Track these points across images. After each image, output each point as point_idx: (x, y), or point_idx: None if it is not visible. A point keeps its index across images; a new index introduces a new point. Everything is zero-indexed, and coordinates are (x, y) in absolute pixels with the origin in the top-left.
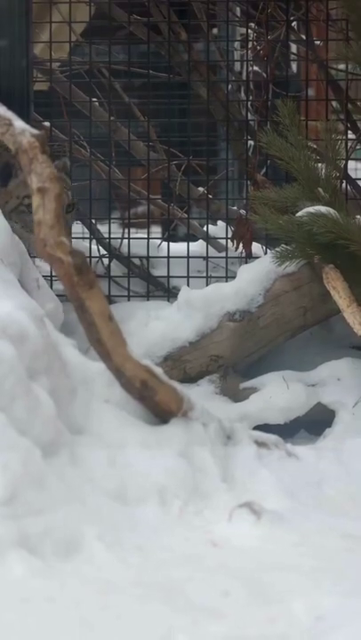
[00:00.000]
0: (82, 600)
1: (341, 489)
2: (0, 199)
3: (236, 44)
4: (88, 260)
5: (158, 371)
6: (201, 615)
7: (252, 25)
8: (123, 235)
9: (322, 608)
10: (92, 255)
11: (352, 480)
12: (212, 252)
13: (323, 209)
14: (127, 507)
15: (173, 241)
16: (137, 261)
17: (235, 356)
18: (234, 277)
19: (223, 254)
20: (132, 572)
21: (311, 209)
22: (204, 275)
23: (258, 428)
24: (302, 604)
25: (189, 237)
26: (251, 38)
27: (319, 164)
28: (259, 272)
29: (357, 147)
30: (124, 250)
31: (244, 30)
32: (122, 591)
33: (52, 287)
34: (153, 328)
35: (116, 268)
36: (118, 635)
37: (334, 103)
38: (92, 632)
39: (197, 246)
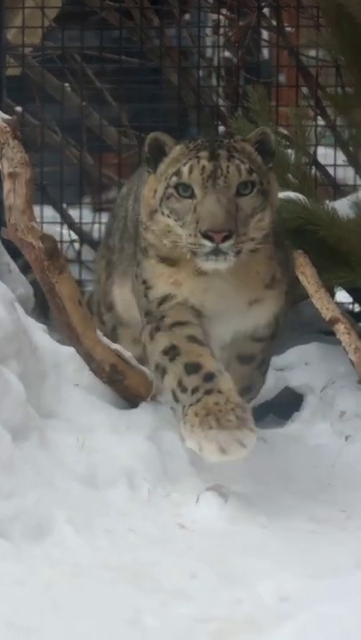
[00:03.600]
0: (51, 583)
1: (308, 473)
2: None
3: (208, 30)
4: (59, 244)
5: (128, 355)
6: (169, 597)
7: (224, 11)
8: (94, 220)
9: (287, 590)
10: (63, 240)
11: (319, 464)
12: None
13: (292, 194)
14: (97, 490)
15: None
16: None
17: None
18: None
19: None
20: (102, 555)
21: (281, 194)
22: None
23: None
24: (268, 586)
25: None
26: (222, 24)
27: (289, 150)
28: None
29: (327, 133)
30: (95, 235)
31: (215, 16)
32: (91, 574)
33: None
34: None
35: (87, 253)
36: (87, 616)
37: (304, 89)
38: (61, 614)
39: None
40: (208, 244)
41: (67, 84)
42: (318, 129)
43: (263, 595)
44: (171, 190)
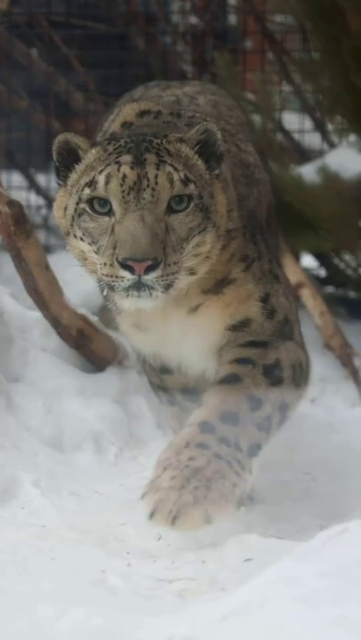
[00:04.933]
0: (18, 545)
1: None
2: None
3: None
4: (26, 210)
5: (94, 320)
6: (134, 558)
7: None
8: None
9: (251, 551)
10: (30, 205)
11: (284, 427)
12: None
13: None
14: (63, 453)
15: None
16: None
17: None
18: None
19: None
20: (68, 517)
21: None
22: None
23: None
24: (232, 547)
25: None
26: None
27: (255, 116)
28: None
29: (292, 98)
30: None
31: None
32: (57, 536)
33: None
34: (90, 278)
35: (54, 219)
36: (53, 577)
37: (271, 55)
38: (27, 574)
39: None
40: (127, 276)
41: (34, 50)
42: (284, 94)
43: (227, 556)
44: (83, 206)
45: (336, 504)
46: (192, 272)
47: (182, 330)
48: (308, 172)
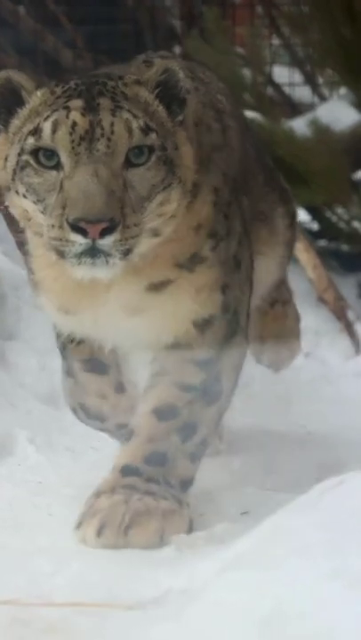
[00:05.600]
0: (14, 501)
1: (268, 389)
2: None
3: None
4: None
5: None
6: None
7: None
8: None
9: (248, 503)
10: None
11: (279, 381)
12: None
13: (249, 114)
14: (58, 410)
15: None
16: None
17: None
18: None
19: None
20: (64, 474)
21: None
22: None
23: None
24: (229, 500)
25: None
26: None
27: (245, 70)
28: None
29: (281, 52)
30: None
31: None
32: (54, 492)
33: None
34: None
35: None
36: (49, 532)
37: (260, 9)
38: (24, 529)
39: None
40: (79, 240)
41: (21, 7)
42: (273, 48)
43: (224, 508)
44: (26, 158)
45: (332, 456)
46: (156, 233)
47: (132, 313)
48: (299, 125)
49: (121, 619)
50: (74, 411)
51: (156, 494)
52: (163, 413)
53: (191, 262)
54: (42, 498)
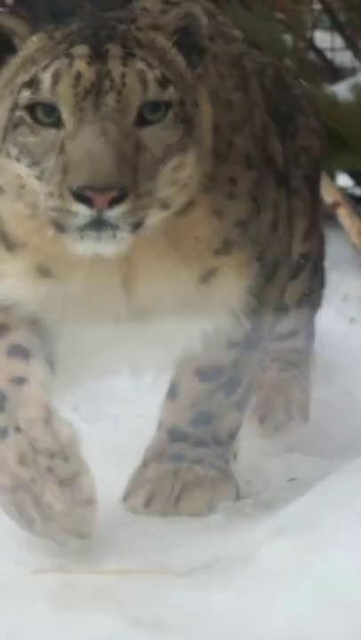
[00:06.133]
0: None
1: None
2: None
3: None
4: None
5: None
6: None
7: None
8: None
9: (295, 470)
10: None
11: (324, 347)
12: None
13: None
14: (103, 379)
15: None
16: None
17: None
18: None
19: None
20: (108, 441)
21: None
22: None
23: None
24: (276, 467)
25: None
26: None
27: (286, 36)
28: None
29: (323, 16)
30: None
31: None
32: (98, 459)
33: None
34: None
35: None
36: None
37: None
38: None
39: None
40: (83, 212)
41: None
42: (315, 13)
43: (271, 475)
44: (21, 114)
45: None
46: (165, 205)
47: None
48: (341, 90)
49: (171, 585)
50: None
51: (204, 462)
52: (206, 375)
53: (225, 246)
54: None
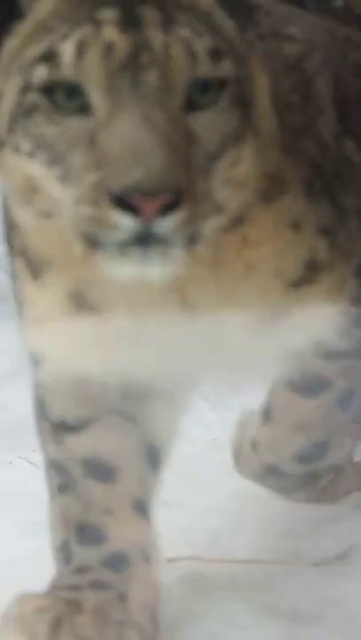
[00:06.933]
0: (190, 457)
1: None
2: None
3: None
4: None
5: None
6: None
7: None
8: None
9: None
10: None
11: None
12: None
13: None
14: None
15: None
16: None
17: None
18: None
19: None
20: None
21: None
22: None
23: None
24: None
25: None
26: None
27: None
28: None
29: None
30: None
31: None
32: (228, 449)
33: None
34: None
35: None
36: (228, 489)
37: None
38: (202, 487)
39: None
40: (127, 223)
41: None
42: None
43: None
44: (34, 97)
45: None
46: (218, 210)
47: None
48: None
49: (306, 575)
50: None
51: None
52: (308, 384)
53: (309, 272)
54: (219, 455)
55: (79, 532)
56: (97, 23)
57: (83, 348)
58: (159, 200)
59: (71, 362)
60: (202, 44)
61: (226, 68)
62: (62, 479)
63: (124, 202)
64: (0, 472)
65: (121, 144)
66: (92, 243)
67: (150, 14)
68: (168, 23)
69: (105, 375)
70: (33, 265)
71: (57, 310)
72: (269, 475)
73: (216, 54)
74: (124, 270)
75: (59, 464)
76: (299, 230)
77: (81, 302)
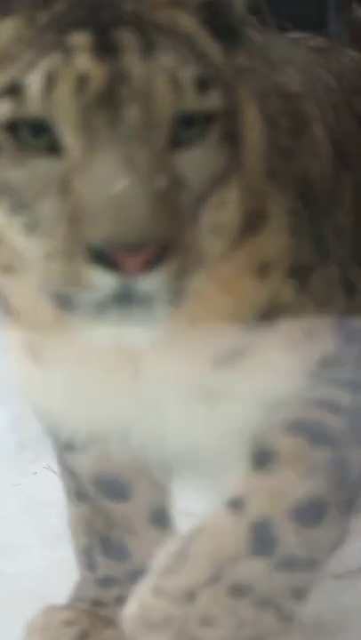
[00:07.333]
0: None
1: None
2: None
3: None
4: None
5: None
6: None
7: None
8: None
9: None
10: None
11: None
12: None
13: None
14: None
15: None
16: None
17: None
18: None
19: None
20: None
21: None
22: None
23: None
24: None
25: None
26: None
27: None
28: None
29: None
30: None
31: None
32: None
33: None
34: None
35: None
36: None
37: None
38: None
39: None
40: (106, 280)
41: None
42: None
43: None
44: None
45: None
46: (203, 259)
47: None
48: None
49: (329, 587)
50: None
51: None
52: (309, 432)
53: (264, 318)
54: None
55: (103, 544)
56: (67, 50)
57: (39, 394)
58: (143, 254)
59: (36, 401)
60: (187, 73)
61: (214, 100)
62: (79, 488)
63: (102, 257)
64: (25, 482)
65: (98, 190)
66: (65, 303)
67: (128, 38)
68: (148, 49)
69: (66, 419)
70: (2, 300)
71: (17, 350)
72: None
73: (203, 84)
74: (101, 333)
75: (73, 473)
76: (265, 274)
77: (36, 352)
